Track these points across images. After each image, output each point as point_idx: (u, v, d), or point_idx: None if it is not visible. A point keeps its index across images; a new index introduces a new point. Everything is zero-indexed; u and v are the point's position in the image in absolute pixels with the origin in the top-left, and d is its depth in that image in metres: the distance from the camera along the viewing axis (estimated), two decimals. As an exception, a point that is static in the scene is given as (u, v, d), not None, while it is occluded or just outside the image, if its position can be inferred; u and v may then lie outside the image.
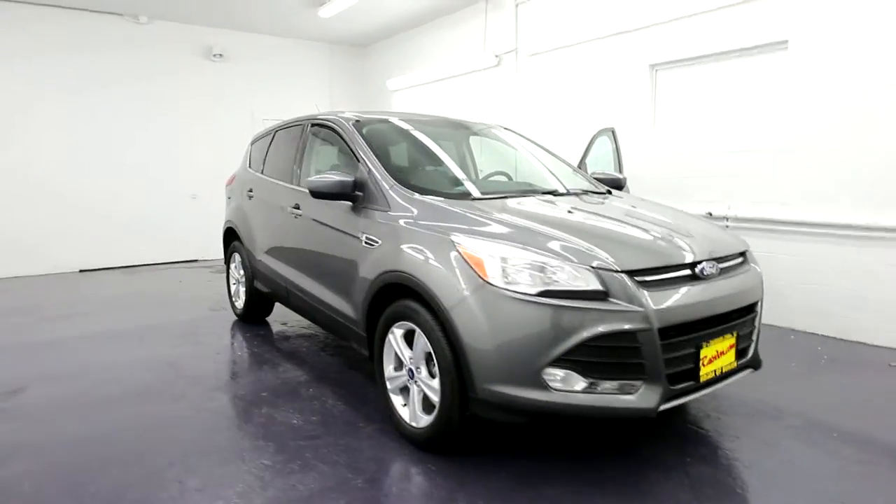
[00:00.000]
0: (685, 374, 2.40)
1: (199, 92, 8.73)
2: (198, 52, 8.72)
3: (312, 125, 4.09)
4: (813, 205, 4.57)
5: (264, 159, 4.79)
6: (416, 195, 3.00)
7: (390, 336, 2.89)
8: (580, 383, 2.28)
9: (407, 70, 9.02)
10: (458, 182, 3.47)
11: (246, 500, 2.35)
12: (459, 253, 2.50)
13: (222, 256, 5.55)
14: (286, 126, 4.62)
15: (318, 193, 3.24)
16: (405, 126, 3.79)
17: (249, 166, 5.12)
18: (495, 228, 2.60)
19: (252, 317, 5.05)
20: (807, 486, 2.45)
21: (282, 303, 4.51)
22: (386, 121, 3.80)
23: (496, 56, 7.37)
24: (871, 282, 4.29)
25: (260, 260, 4.54)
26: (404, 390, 2.89)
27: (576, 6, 6.28)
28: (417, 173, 3.44)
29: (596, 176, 4.01)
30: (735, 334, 2.61)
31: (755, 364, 2.79)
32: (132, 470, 2.59)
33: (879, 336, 4.28)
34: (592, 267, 2.32)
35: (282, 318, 5.23)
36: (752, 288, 2.75)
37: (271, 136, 4.83)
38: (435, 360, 2.58)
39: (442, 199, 2.97)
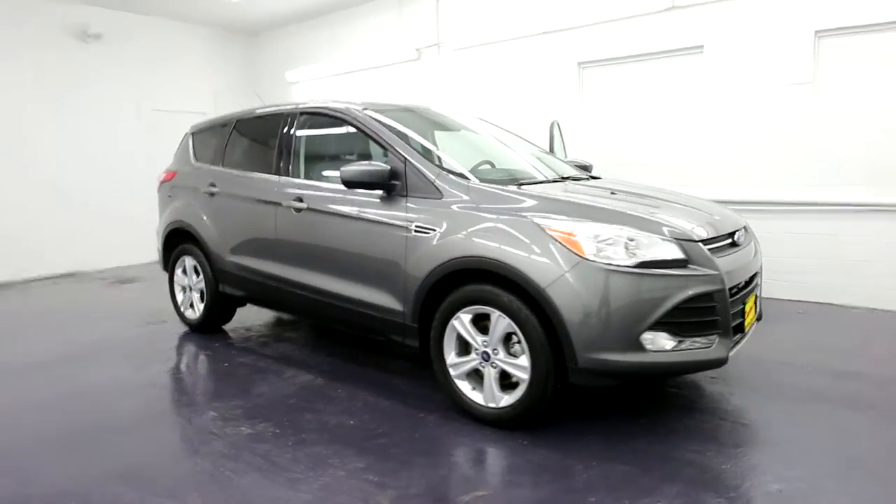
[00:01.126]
0: (738, 327, 2.79)
1: (70, 78, 7.53)
2: (69, 32, 7.51)
3: (302, 114, 3.86)
4: (729, 187, 5.38)
5: (223, 151, 4.39)
6: (471, 182, 3.03)
7: (455, 322, 2.90)
8: (670, 342, 2.54)
9: (311, 61, 8.66)
10: (493, 169, 3.54)
11: None
12: (549, 233, 2.62)
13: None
14: (252, 116, 4.29)
15: (353, 183, 3.14)
16: (409, 115, 3.76)
17: (195, 159, 4.64)
18: (571, 209, 2.75)
19: (211, 325, 4.59)
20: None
21: (265, 305, 4.21)
22: (396, 109, 3.73)
23: (416, 49, 7.43)
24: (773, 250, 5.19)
25: (231, 261, 4.16)
26: (470, 375, 2.93)
27: (503, 4, 6.59)
28: (447, 161, 3.44)
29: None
30: (755, 293, 3.08)
31: (761, 316, 3.31)
32: None
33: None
34: (675, 238, 2.59)
35: (240, 323, 4.83)
36: (759, 253, 3.25)
37: (230, 126, 4.43)
38: (521, 339, 2.67)
39: (494, 185, 3.04)
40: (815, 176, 4.98)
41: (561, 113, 6.24)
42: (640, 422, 2.88)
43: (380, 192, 3.22)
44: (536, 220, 2.68)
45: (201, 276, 4.46)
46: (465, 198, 2.97)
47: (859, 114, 4.77)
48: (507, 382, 2.81)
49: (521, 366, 2.71)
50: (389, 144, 3.27)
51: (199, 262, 4.44)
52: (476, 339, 2.85)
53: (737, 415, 2.97)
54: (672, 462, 2.50)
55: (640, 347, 2.51)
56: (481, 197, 2.94)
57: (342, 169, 3.15)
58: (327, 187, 3.55)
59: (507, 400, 2.79)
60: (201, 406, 3.22)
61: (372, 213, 3.24)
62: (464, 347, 2.95)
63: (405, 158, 3.18)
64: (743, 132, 5.27)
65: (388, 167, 3.13)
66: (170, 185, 4.81)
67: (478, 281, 2.82)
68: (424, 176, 3.10)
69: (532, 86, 6.53)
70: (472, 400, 2.91)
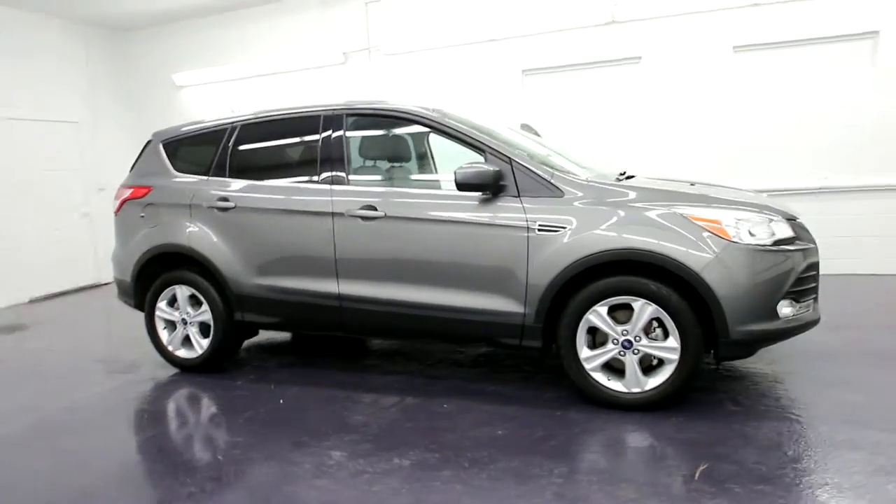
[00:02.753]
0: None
1: None
2: None
3: (351, 115, 3.54)
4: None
5: (226, 160, 3.82)
6: (587, 179, 3.11)
7: (590, 316, 2.96)
8: (791, 309, 2.91)
9: (208, 63, 7.76)
10: (580, 166, 3.55)
11: None
12: (695, 222, 2.82)
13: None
14: (265, 120, 3.80)
15: (466, 185, 3.04)
16: (464, 116, 3.68)
17: (177, 172, 3.97)
18: (698, 199, 2.99)
19: (218, 362, 3.93)
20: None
21: (307, 328, 3.78)
22: (448, 113, 3.61)
23: (343, 53, 7.12)
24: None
25: (258, 284, 3.64)
26: (603, 366, 3.01)
27: (442, 10, 6.64)
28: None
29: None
30: None
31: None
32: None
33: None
34: (786, 218, 2.98)
35: (252, 356, 4.21)
36: None
37: (228, 132, 3.86)
38: (668, 323, 2.83)
39: (605, 181, 3.15)
40: (733, 167, 5.92)
41: (503, 119, 6.51)
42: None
43: (479, 193, 3.13)
44: (679, 210, 2.87)
45: (204, 306, 3.80)
46: (581, 194, 3.04)
47: (768, 115, 5.82)
48: (648, 366, 2.96)
49: (669, 347, 2.87)
50: (488, 146, 3.19)
51: (202, 290, 3.78)
52: (616, 329, 2.94)
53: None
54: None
55: (775, 316, 2.84)
56: (598, 193, 3.04)
57: (458, 171, 3.01)
58: (410, 192, 3.34)
59: (652, 383, 2.92)
60: (316, 447, 2.79)
61: (479, 216, 3.13)
62: (594, 340, 3.02)
63: (509, 159, 3.14)
64: (676, 134, 6.07)
65: (498, 168, 3.07)
66: (140, 203, 4.01)
67: (617, 273, 2.92)
68: (538, 175, 3.09)
69: (474, 93, 6.70)
70: (611, 389, 2.99)
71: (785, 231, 2.92)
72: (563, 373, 3.12)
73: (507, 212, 3.08)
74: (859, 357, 3.60)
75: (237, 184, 3.76)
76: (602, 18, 6.02)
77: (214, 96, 7.86)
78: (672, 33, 5.93)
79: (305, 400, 3.42)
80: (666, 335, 2.88)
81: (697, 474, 2.37)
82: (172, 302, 3.95)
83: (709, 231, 2.80)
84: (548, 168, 3.14)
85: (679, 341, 2.84)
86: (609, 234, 2.91)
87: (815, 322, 3.04)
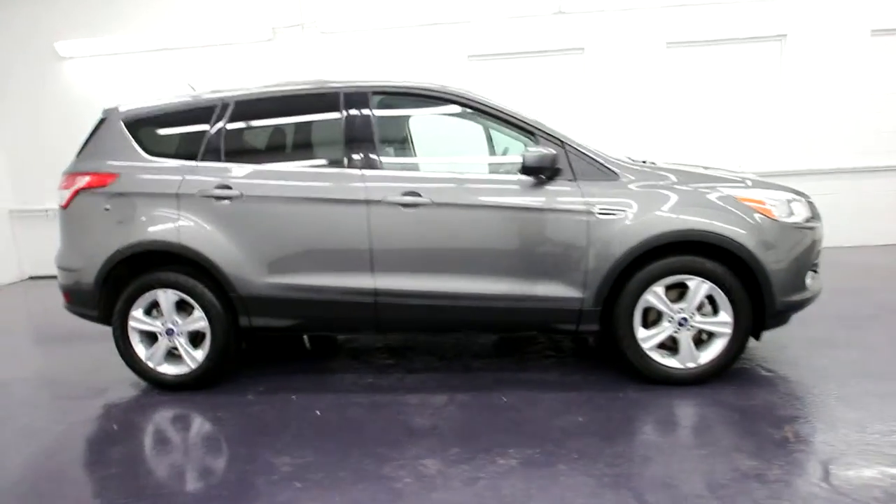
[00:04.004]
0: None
1: None
2: None
3: (376, 93, 3.23)
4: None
5: (219, 143, 3.30)
6: (634, 163, 3.15)
7: (648, 297, 3.03)
8: (812, 280, 3.24)
9: (101, 30, 6.61)
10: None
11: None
12: (742, 202, 3.00)
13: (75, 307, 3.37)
14: (267, 97, 3.35)
15: (532, 169, 2.95)
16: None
17: (151, 156, 3.35)
18: (735, 181, 3.17)
19: (214, 377, 3.40)
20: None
21: (334, 329, 3.50)
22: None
23: (272, 29, 6.49)
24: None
25: (272, 283, 3.20)
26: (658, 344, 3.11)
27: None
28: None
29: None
30: None
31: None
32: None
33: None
34: (807, 200, 3.28)
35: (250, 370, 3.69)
36: None
37: (219, 109, 3.33)
38: (722, 298, 3.00)
39: (644, 164, 3.23)
40: (664, 154, 6.44)
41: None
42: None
43: (531, 178, 3.06)
44: (729, 191, 3.04)
45: (197, 312, 3.26)
46: (633, 178, 3.10)
47: (694, 106, 6.40)
48: (700, 340, 3.11)
49: (722, 322, 3.04)
50: (539, 129, 3.11)
51: (194, 294, 3.24)
52: (672, 307, 3.05)
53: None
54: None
55: (804, 287, 3.14)
56: (646, 176, 3.11)
57: (527, 155, 2.92)
58: (454, 177, 3.13)
59: (706, 357, 3.08)
60: (401, 458, 2.52)
61: (535, 201, 3.04)
62: (646, 319, 3.11)
63: (562, 142, 3.09)
64: (616, 123, 6.44)
65: (556, 152, 3.01)
66: (103, 193, 3.31)
67: (673, 254, 3.02)
68: (593, 159, 3.09)
69: (417, 76, 6.48)
70: (667, 366, 3.10)
71: (807, 210, 3.23)
72: (586, 355, 3.19)
73: (565, 196, 3.04)
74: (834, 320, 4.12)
75: (240, 169, 3.26)
76: (550, 9, 6.17)
77: (111, 71, 6.75)
78: (613, 27, 6.26)
79: (344, 408, 3.09)
80: (715, 311, 3.05)
81: (791, 435, 2.55)
82: (149, 310, 3.35)
83: (756, 211, 3.01)
84: (601, 152, 3.14)
85: (732, 316, 3.02)
86: (670, 216, 2.99)
87: (820, 290, 3.41)
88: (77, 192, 3.36)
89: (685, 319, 3.05)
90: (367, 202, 3.12)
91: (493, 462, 2.47)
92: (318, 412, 3.06)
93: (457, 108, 3.26)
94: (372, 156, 3.18)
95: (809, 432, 2.57)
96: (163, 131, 3.44)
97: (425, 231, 3.12)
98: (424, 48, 6.45)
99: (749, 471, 2.29)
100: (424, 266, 3.15)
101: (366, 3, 6.41)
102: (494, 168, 3.46)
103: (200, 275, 3.27)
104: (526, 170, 2.97)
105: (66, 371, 3.94)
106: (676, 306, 3.05)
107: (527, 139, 3.16)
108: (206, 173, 3.26)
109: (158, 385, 3.41)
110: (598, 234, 3.02)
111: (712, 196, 3.03)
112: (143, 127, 3.43)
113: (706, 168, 3.65)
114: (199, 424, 3.05)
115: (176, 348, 3.35)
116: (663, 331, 3.08)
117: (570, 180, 3.07)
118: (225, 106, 3.34)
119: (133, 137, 3.39)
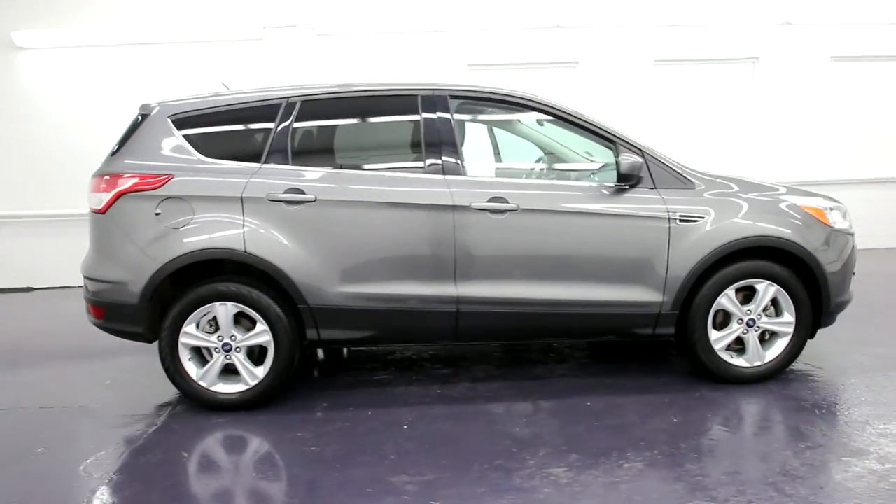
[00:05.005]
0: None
1: None
2: None
3: (453, 97, 3.17)
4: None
5: (287, 144, 3.11)
6: (703, 173, 3.28)
7: (722, 300, 3.16)
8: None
9: (65, 19, 6.00)
10: None
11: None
12: (804, 210, 3.21)
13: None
14: (337, 97, 3.22)
15: (625, 176, 3.03)
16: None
17: (207, 157, 3.10)
18: (791, 190, 3.38)
19: (273, 395, 3.16)
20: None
21: (403, 341, 3.41)
22: None
23: (263, 28, 6.19)
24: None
25: (345, 293, 3.03)
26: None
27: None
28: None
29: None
30: None
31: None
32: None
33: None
34: (845, 209, 3.55)
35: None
36: None
37: (283, 108, 3.13)
38: (787, 300, 3.18)
39: (706, 174, 3.37)
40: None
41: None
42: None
43: (612, 185, 3.13)
44: (791, 199, 3.24)
45: (260, 325, 3.03)
46: (705, 186, 3.23)
47: (679, 120, 6.78)
48: (763, 339, 3.27)
49: (785, 322, 3.22)
50: (621, 138, 3.17)
51: (258, 306, 3.01)
52: (741, 309, 3.20)
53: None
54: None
55: (849, 288, 3.41)
56: (715, 185, 3.26)
57: (622, 162, 2.98)
58: (539, 183, 3.14)
59: (770, 355, 3.25)
60: (526, 468, 2.45)
61: (620, 208, 3.10)
62: (715, 322, 3.23)
63: (641, 151, 3.17)
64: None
65: (642, 160, 3.09)
66: (153, 196, 3.01)
67: (742, 259, 3.17)
68: (671, 168, 3.19)
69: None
70: (737, 366, 3.24)
71: (846, 217, 3.51)
72: (642, 357, 3.29)
73: (648, 203, 3.12)
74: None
75: (312, 173, 3.08)
76: (548, 22, 6.33)
77: (76, 65, 6.16)
78: (605, 43, 6.52)
79: (430, 420, 2.98)
80: (778, 312, 3.24)
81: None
82: (205, 325, 3.08)
83: (816, 218, 3.23)
84: (677, 161, 3.26)
85: (794, 316, 3.22)
86: (746, 223, 3.15)
87: None
88: (119, 195, 3.04)
89: (753, 321, 3.21)
90: (454, 208, 3.04)
91: (620, 466, 2.47)
92: (405, 426, 2.93)
93: (536, 115, 3.26)
94: (454, 160, 3.11)
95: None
96: (217, 130, 3.20)
97: (511, 237, 3.09)
98: (424, 55, 6.41)
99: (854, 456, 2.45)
100: (508, 273, 3.11)
101: (364, 7, 6.28)
102: (570, 175, 3.50)
103: (263, 285, 3.05)
104: (621, 177, 3.02)
105: (95, 393, 3.53)
106: (744, 308, 3.21)
107: (605, 147, 3.22)
108: (274, 176, 3.06)
109: (209, 405, 3.12)
110: (679, 240, 3.12)
111: (782, 205, 3.22)
112: (194, 125, 3.16)
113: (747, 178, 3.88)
114: (286, 446, 2.81)
115: (231, 365, 3.10)
116: (733, 332, 3.22)
117: (650, 188, 3.15)
118: (291, 105, 3.15)
119: (187, 137, 3.12)
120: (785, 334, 3.23)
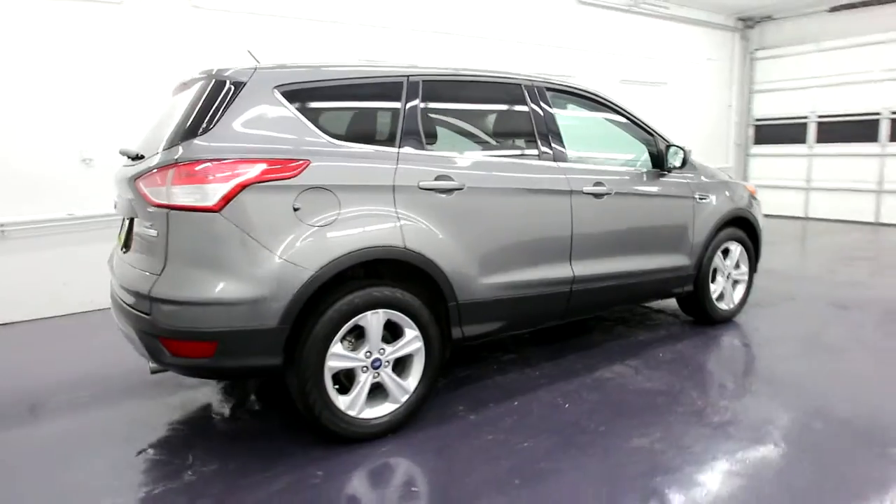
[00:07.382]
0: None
1: None
2: None
3: (549, 89, 3.34)
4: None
5: (416, 126, 2.82)
6: (696, 161, 4.13)
7: (716, 260, 4.10)
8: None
9: None
10: None
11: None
12: (748, 190, 4.36)
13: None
14: (456, 79, 3.10)
15: (671, 165, 3.73)
16: None
17: (333, 138, 2.61)
18: (737, 178, 4.51)
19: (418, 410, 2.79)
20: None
21: (524, 328, 3.38)
22: None
23: (119, -13, 4.80)
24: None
25: (487, 284, 2.93)
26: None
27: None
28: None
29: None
30: None
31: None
32: None
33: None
34: (741, 188, 4.89)
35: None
36: None
37: (405, 87, 2.82)
38: (744, 256, 4.30)
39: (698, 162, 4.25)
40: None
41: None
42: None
43: (659, 170, 3.76)
44: (742, 183, 4.36)
45: (411, 331, 2.68)
46: (701, 172, 4.10)
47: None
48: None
49: (743, 272, 4.34)
50: (655, 131, 3.78)
51: (410, 311, 2.65)
52: (725, 265, 4.19)
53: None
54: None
55: (756, 245, 4.76)
56: (704, 171, 4.15)
57: (686, 151, 3.55)
58: (621, 170, 3.54)
59: (737, 298, 4.33)
60: (705, 436, 2.87)
61: (670, 189, 3.75)
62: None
63: (667, 142, 3.84)
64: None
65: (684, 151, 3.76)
66: (289, 187, 2.37)
67: (726, 228, 4.15)
68: (685, 157, 3.94)
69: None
70: (722, 309, 4.22)
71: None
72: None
73: (683, 186, 3.85)
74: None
75: (458, 159, 2.87)
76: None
77: None
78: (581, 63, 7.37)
79: (572, 394, 3.12)
80: (737, 266, 4.34)
81: None
82: (355, 339, 2.61)
83: (752, 195, 4.44)
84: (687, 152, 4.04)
85: (748, 266, 4.36)
86: (730, 201, 4.14)
87: None
88: (242, 187, 2.31)
89: (729, 274, 4.25)
90: (571, 192, 3.23)
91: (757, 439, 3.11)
92: (566, 405, 3.01)
93: (605, 110, 3.65)
94: (561, 148, 3.29)
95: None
96: (337, 106, 2.69)
97: (608, 218, 3.44)
98: (317, 45, 5.90)
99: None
100: (603, 251, 3.45)
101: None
102: (629, 163, 3.89)
103: (426, 284, 2.73)
104: (663, 165, 3.68)
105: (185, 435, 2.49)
106: (726, 263, 4.22)
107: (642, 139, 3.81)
108: (416, 161, 2.74)
109: (354, 438, 2.60)
110: (699, 214, 3.93)
111: (740, 187, 4.32)
112: (308, 99, 2.60)
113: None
114: (485, 457, 2.59)
115: (379, 384, 2.67)
116: (721, 284, 4.21)
117: (674, 172, 3.85)
118: (414, 84, 2.85)
119: (305, 116, 2.53)
120: (743, 281, 4.37)
